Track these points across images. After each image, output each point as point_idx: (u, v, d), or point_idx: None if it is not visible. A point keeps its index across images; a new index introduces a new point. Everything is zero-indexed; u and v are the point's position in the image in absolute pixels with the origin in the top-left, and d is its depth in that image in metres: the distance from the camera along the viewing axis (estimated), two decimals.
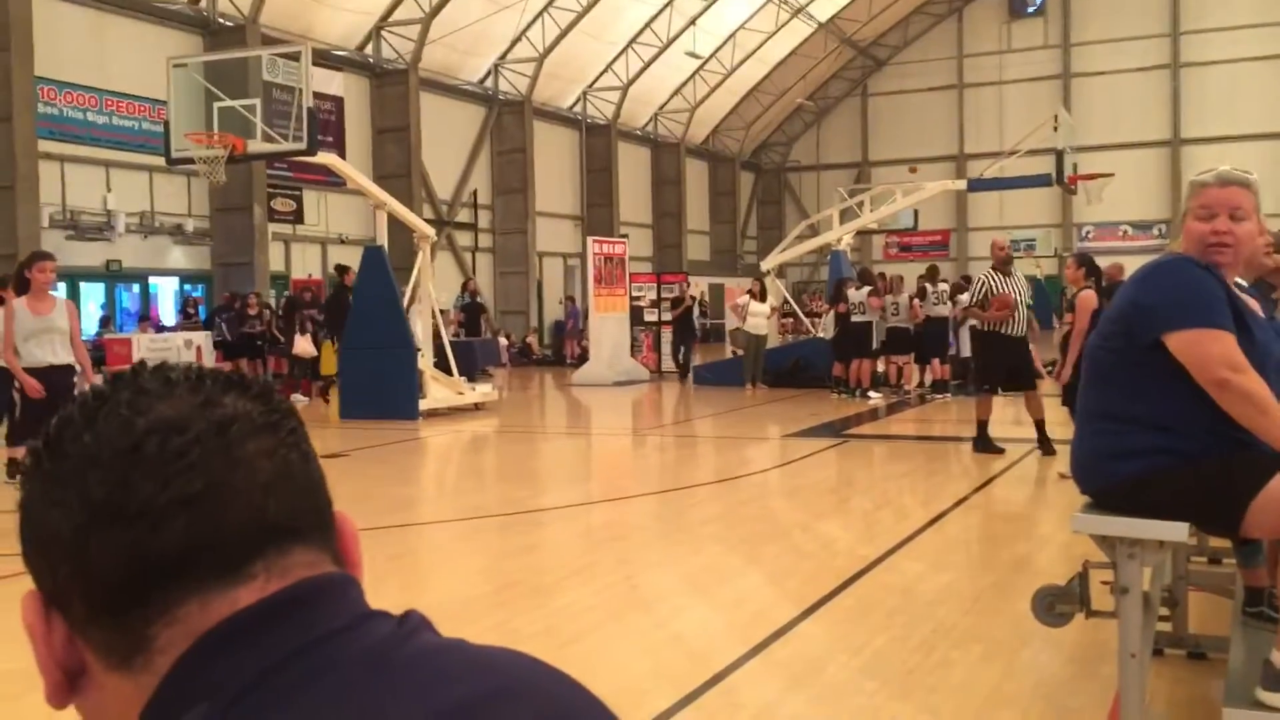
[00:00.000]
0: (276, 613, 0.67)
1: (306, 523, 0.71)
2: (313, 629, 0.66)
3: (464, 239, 30.33)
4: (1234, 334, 3.04)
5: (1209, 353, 3.02)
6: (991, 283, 10.31)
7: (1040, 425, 10.12)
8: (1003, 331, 10.10)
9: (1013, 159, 20.26)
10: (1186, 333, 3.06)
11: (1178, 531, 3.14)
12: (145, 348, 20.27)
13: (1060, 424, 10.08)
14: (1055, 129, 18.96)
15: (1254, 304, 3.34)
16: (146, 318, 21.92)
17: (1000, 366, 10.21)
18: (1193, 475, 3.10)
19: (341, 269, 17.43)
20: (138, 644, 0.66)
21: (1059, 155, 18.67)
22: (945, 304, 16.33)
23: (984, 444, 10.42)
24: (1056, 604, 3.55)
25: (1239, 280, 3.37)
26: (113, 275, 21.88)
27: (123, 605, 0.66)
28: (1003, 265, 10.40)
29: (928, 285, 16.59)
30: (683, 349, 21.30)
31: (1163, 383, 3.11)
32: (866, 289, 16.25)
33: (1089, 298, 8.65)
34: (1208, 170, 3.32)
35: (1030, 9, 38.83)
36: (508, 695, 0.66)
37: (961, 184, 23.09)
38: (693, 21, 32.55)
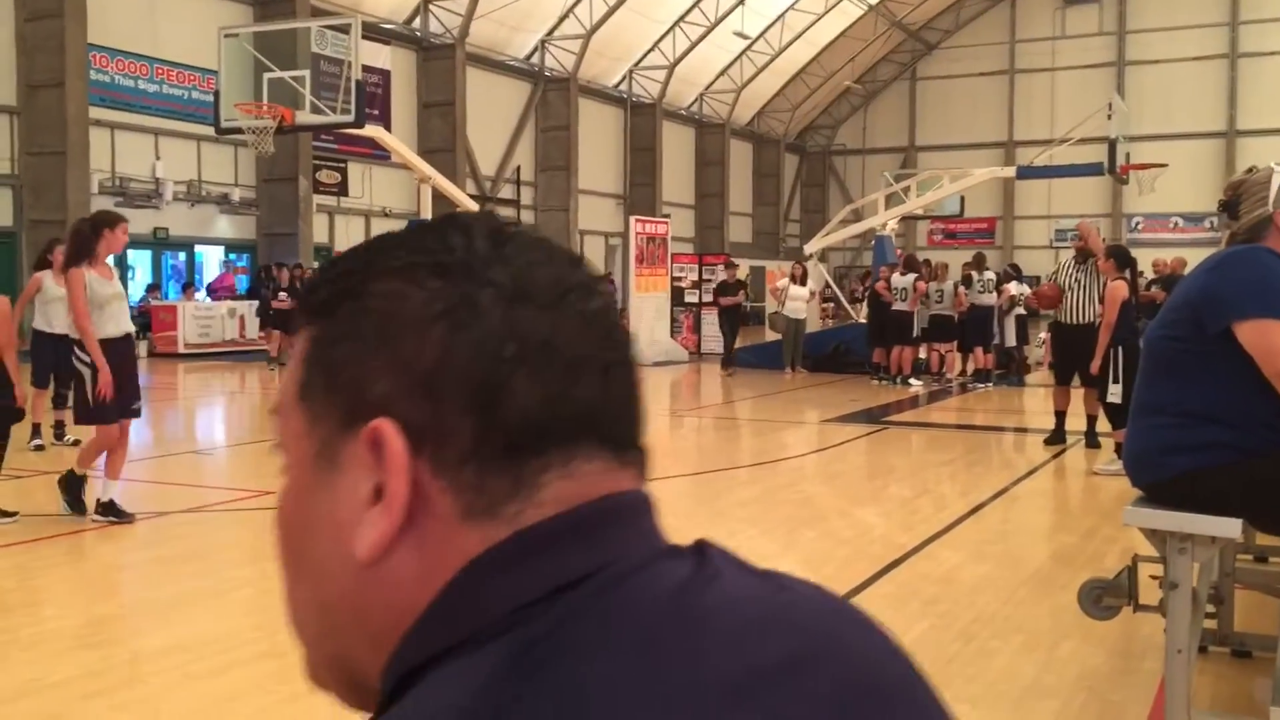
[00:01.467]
0: (617, 516, 0.62)
1: (640, 431, 0.66)
2: (614, 560, 0.60)
3: (506, 215, 30.33)
4: None
5: (1276, 344, 2.96)
6: (1060, 272, 10.15)
7: (1091, 419, 9.96)
8: (1061, 320, 9.93)
9: (1063, 147, 20.00)
10: (1258, 322, 3.00)
11: (1231, 528, 3.09)
12: (190, 315, 20.52)
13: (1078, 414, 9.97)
14: (1109, 117, 18.69)
15: None
16: (191, 284, 22.18)
17: (1059, 356, 10.07)
18: (1250, 471, 3.04)
19: None
20: (518, 490, 0.60)
21: (1111, 144, 18.40)
22: (991, 293, 16.15)
23: (1053, 435, 10.21)
24: (1104, 597, 3.50)
25: None
26: (159, 243, 22.13)
27: (523, 451, 0.60)
28: (1079, 254, 10.17)
29: (973, 273, 16.41)
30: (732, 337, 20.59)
31: (1226, 374, 3.05)
32: (911, 275, 16.11)
33: (1119, 289, 8.51)
34: (1271, 166, 3.25)
35: None
36: (808, 661, 0.58)
37: (1010, 171, 22.83)
38: (742, 1, 32.32)
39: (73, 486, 6.76)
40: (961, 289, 16.31)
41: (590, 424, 0.61)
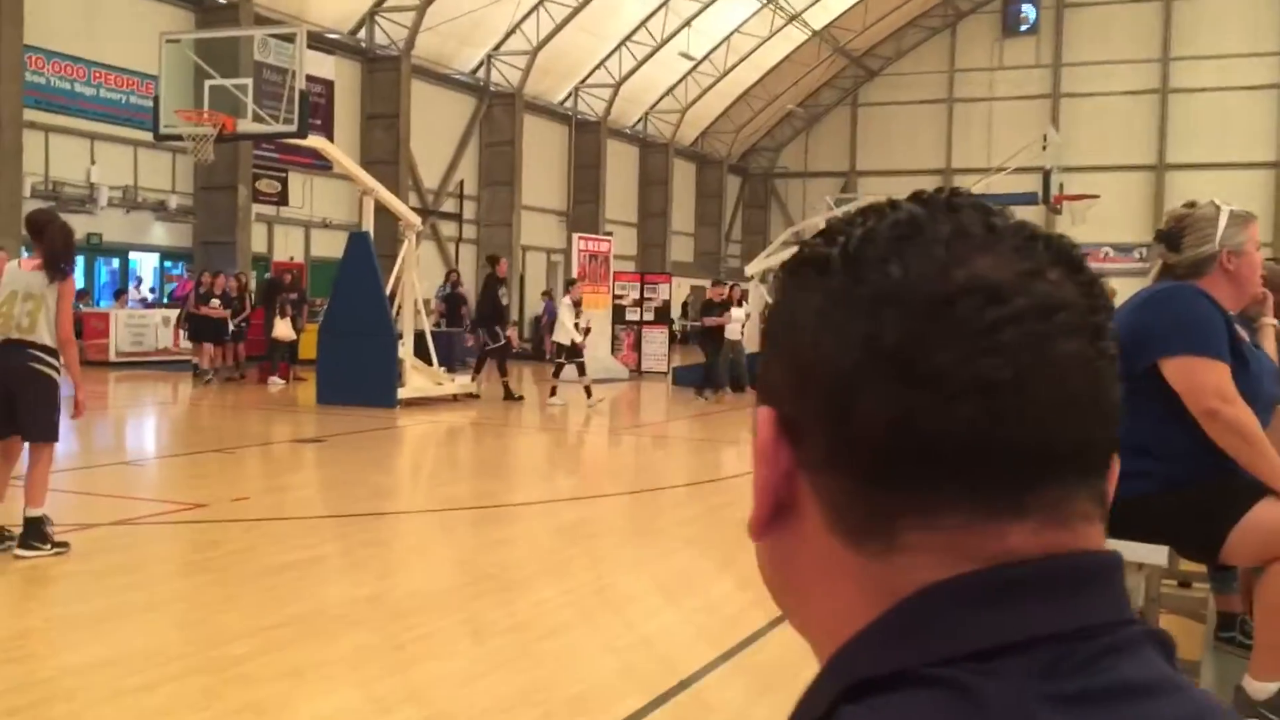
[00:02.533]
0: (1054, 584, 0.54)
1: (1095, 459, 0.57)
2: (1086, 631, 0.54)
3: (448, 229, 30.24)
4: (1229, 364, 3.07)
5: (1202, 381, 3.05)
6: None
7: None
8: None
9: (999, 176, 20.38)
10: (1182, 359, 3.09)
11: (1157, 555, 3.17)
12: (123, 323, 20.14)
13: None
14: (1044, 148, 19.09)
15: (1245, 336, 3.37)
16: (124, 292, 21.78)
17: None
18: (1176, 500, 3.13)
19: (493, 259, 16.85)
20: (874, 527, 0.56)
21: (1046, 175, 18.79)
22: None
23: None
24: None
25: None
26: (93, 249, 21.71)
27: (871, 474, 0.55)
28: None
29: None
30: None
31: (1153, 408, 3.13)
32: None
33: None
34: (1212, 203, 3.36)
35: (1023, 27, 39.03)
36: None
37: None
38: (688, 23, 32.56)
39: None
40: None
41: (979, 459, 0.54)
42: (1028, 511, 0.55)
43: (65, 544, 6.13)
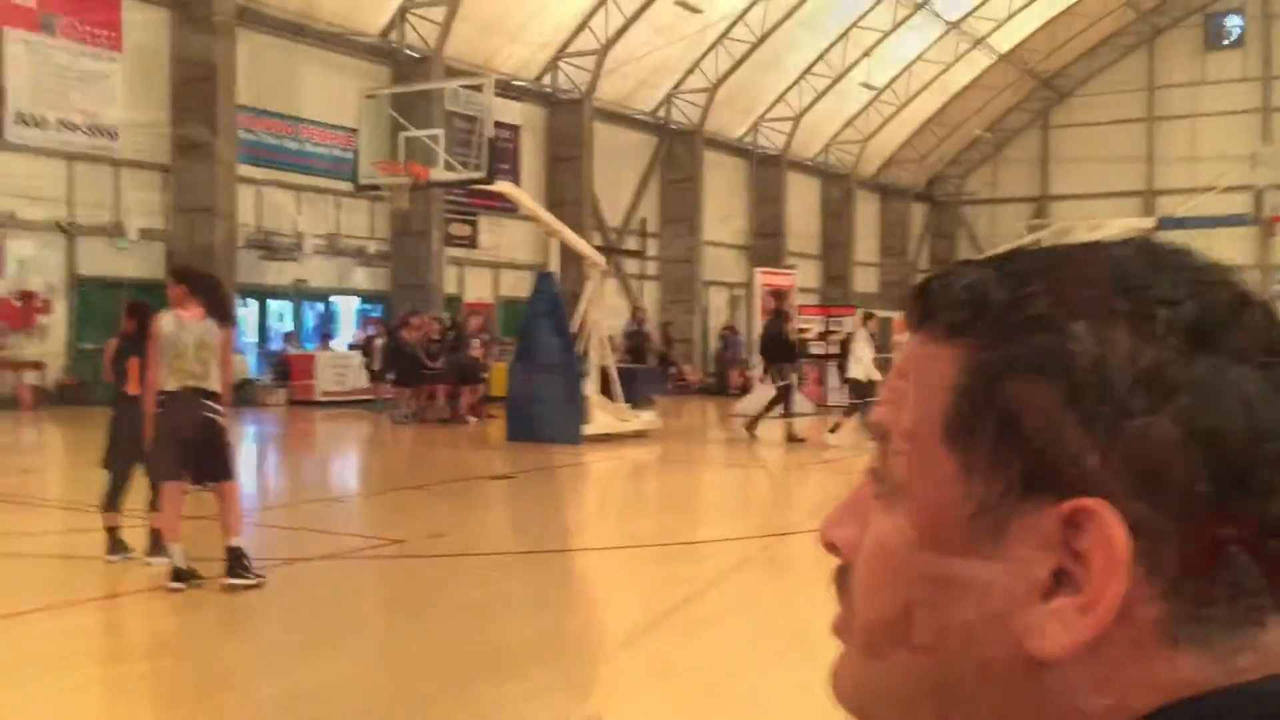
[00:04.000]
0: None
1: None
2: None
3: (632, 266, 30.66)
4: None
5: None
6: None
7: None
8: None
9: (1206, 196, 19.32)
10: None
11: None
12: (327, 364, 21.20)
13: None
14: (1253, 166, 18.00)
15: None
16: (329, 335, 22.93)
17: None
18: None
19: (779, 296, 17.20)
20: (1242, 622, 0.48)
21: (1258, 194, 17.70)
22: None
23: None
24: None
25: None
26: (299, 293, 22.97)
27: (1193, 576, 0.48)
28: None
29: None
30: None
31: None
32: None
33: None
34: None
35: (1227, 40, 37.04)
36: None
37: (1149, 222, 22.15)
38: (867, 53, 32.22)
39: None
40: None
41: None
42: None
43: (263, 576, 6.37)
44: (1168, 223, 21.20)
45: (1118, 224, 21.08)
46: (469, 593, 6.46)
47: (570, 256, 16.95)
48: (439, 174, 13.83)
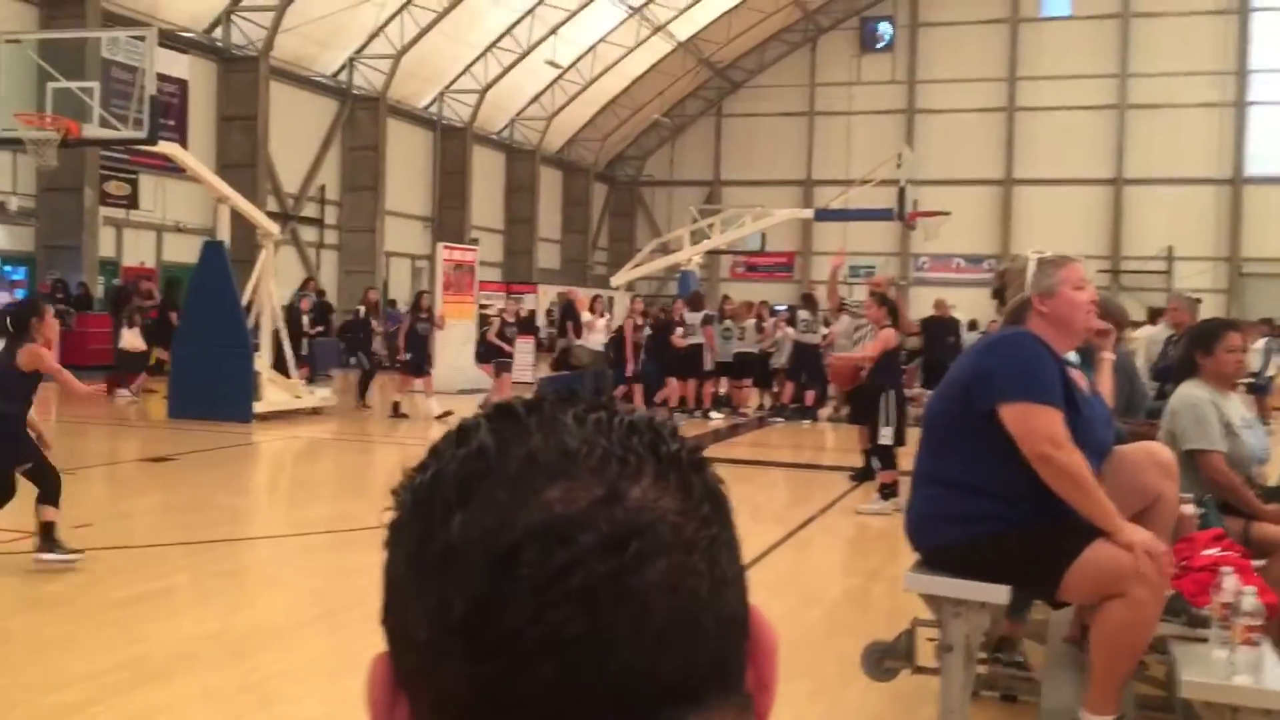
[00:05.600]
0: None
1: (710, 682, 0.54)
2: None
3: (309, 234, 29.55)
4: (1062, 411, 3.21)
5: (1035, 426, 3.19)
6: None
7: (866, 454, 10.44)
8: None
9: (858, 190, 20.91)
10: (1018, 405, 3.22)
11: (999, 594, 3.29)
12: None
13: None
14: (899, 165, 19.66)
15: (1082, 380, 3.53)
16: None
17: (854, 396, 10.66)
18: (1015, 541, 3.25)
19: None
20: None
21: (901, 191, 19.35)
22: (814, 332, 16.36)
23: (859, 473, 10.56)
24: (885, 659, 3.67)
25: (1072, 356, 3.56)
26: None
27: None
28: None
29: (801, 312, 16.94)
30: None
31: (993, 450, 3.26)
32: (701, 313, 16.58)
33: (890, 335, 9.05)
34: (1040, 252, 3.51)
35: (879, 44, 40.13)
36: None
37: (808, 213, 23.72)
38: (554, 31, 32.52)
39: None
40: (767, 325, 16.92)
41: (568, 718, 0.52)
42: None
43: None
44: (823, 214, 22.79)
45: (781, 213, 22.46)
46: (122, 590, 6.05)
47: (242, 221, 16.11)
48: (93, 131, 12.72)
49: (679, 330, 16.47)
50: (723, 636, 0.55)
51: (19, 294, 21.51)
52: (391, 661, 0.57)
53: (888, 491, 9.00)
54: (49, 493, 6.32)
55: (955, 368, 3.57)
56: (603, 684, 0.51)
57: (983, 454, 3.28)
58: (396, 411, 15.28)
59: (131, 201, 24.00)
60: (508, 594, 0.51)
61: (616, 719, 0.51)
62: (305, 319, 18.32)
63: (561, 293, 25.84)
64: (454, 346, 19.69)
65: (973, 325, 19.82)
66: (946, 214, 21.17)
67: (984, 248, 37.80)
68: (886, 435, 8.92)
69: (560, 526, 0.52)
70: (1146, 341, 10.23)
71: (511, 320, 16.54)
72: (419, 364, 15.61)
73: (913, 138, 35.92)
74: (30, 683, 4.75)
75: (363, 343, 16.88)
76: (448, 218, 33.89)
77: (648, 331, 16.85)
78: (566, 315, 20.24)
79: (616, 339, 17.12)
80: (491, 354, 16.08)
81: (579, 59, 34.96)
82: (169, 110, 22.15)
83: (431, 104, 33.44)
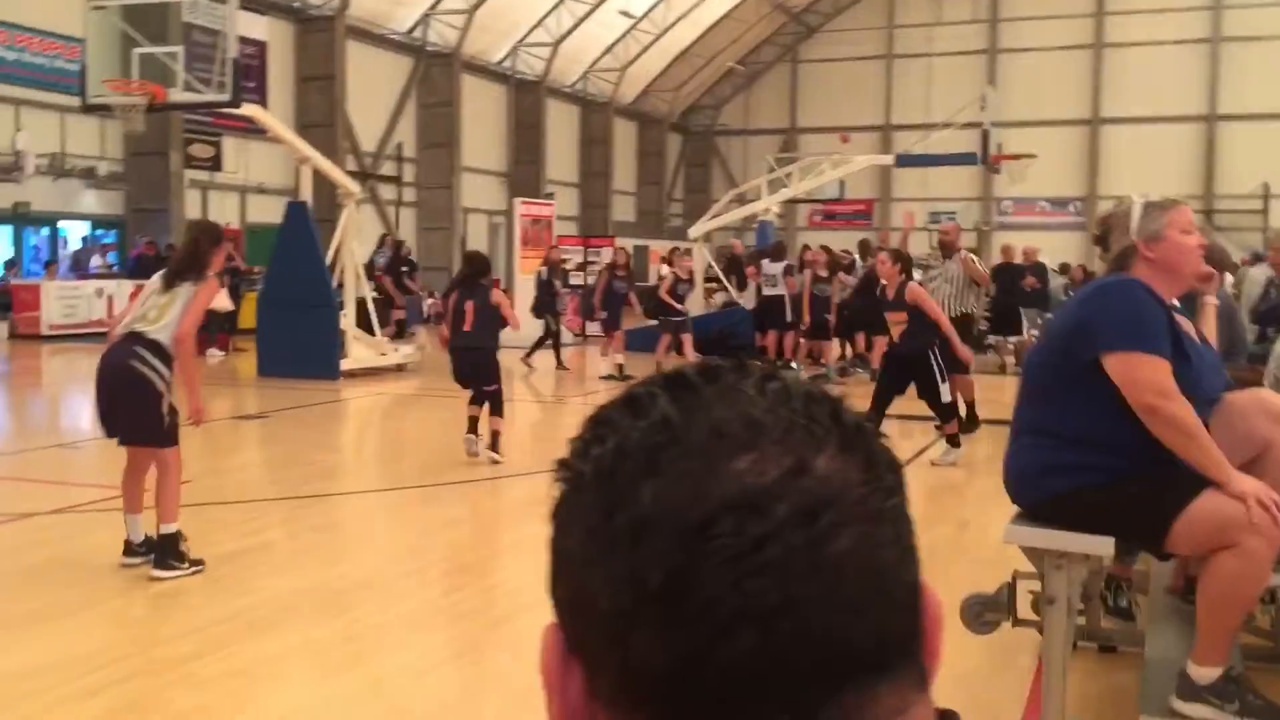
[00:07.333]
0: None
1: (897, 650, 0.55)
2: None
3: (388, 192, 29.83)
4: (1169, 360, 3.11)
5: (1141, 377, 3.09)
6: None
7: (970, 405, 10.32)
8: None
9: (940, 135, 20.48)
10: (1123, 354, 3.12)
11: (1104, 546, 3.22)
12: (54, 295, 19.66)
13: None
14: (982, 107, 19.20)
15: (1189, 326, 3.42)
16: (53, 262, 21.25)
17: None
18: (1120, 492, 3.17)
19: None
20: None
21: (984, 134, 18.90)
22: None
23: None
24: (985, 612, 3.62)
25: (1174, 301, 3.45)
26: (20, 218, 21.15)
27: (659, 709, 0.53)
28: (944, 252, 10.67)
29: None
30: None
31: (1098, 401, 3.17)
32: (783, 263, 16.35)
33: (920, 290, 8.80)
34: (1145, 196, 3.39)
35: None
36: None
37: (889, 159, 23.29)
38: None
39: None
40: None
41: (763, 687, 0.52)
42: None
43: (201, 561, 5.65)
44: (904, 160, 22.36)
45: (861, 160, 22.07)
46: (221, 546, 6.21)
47: (323, 181, 16.31)
48: (179, 95, 12.92)
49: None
50: (908, 605, 0.56)
51: (110, 257, 22.10)
52: (564, 629, 0.58)
53: (955, 440, 8.93)
54: None
55: (1057, 316, 3.48)
56: (800, 653, 0.52)
57: (1087, 404, 3.20)
58: (622, 373, 14.90)
59: (215, 164, 24.43)
60: (704, 564, 0.52)
61: (813, 687, 0.52)
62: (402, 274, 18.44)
63: (723, 246, 25.79)
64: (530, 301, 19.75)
65: (1064, 269, 19.44)
66: (1033, 156, 20.65)
67: (1070, 190, 36.89)
68: (946, 392, 8.78)
69: (754, 498, 0.53)
70: (1246, 284, 9.91)
71: (686, 277, 15.88)
72: (615, 321, 15.52)
73: (996, 78, 35.04)
74: (139, 636, 4.92)
75: (548, 304, 16.46)
76: (523, 172, 33.95)
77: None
78: (731, 269, 20.19)
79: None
80: (660, 311, 15.55)
81: (652, 8, 34.60)
82: (249, 72, 22.42)
83: (505, 58, 33.41)
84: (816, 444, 0.55)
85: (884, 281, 8.88)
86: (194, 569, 5.58)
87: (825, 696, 0.53)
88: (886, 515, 0.55)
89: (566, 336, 17.91)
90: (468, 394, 8.93)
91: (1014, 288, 16.63)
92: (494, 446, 8.60)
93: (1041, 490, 3.28)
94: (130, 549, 5.74)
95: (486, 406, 8.72)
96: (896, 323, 8.78)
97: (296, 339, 14.01)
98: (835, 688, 0.53)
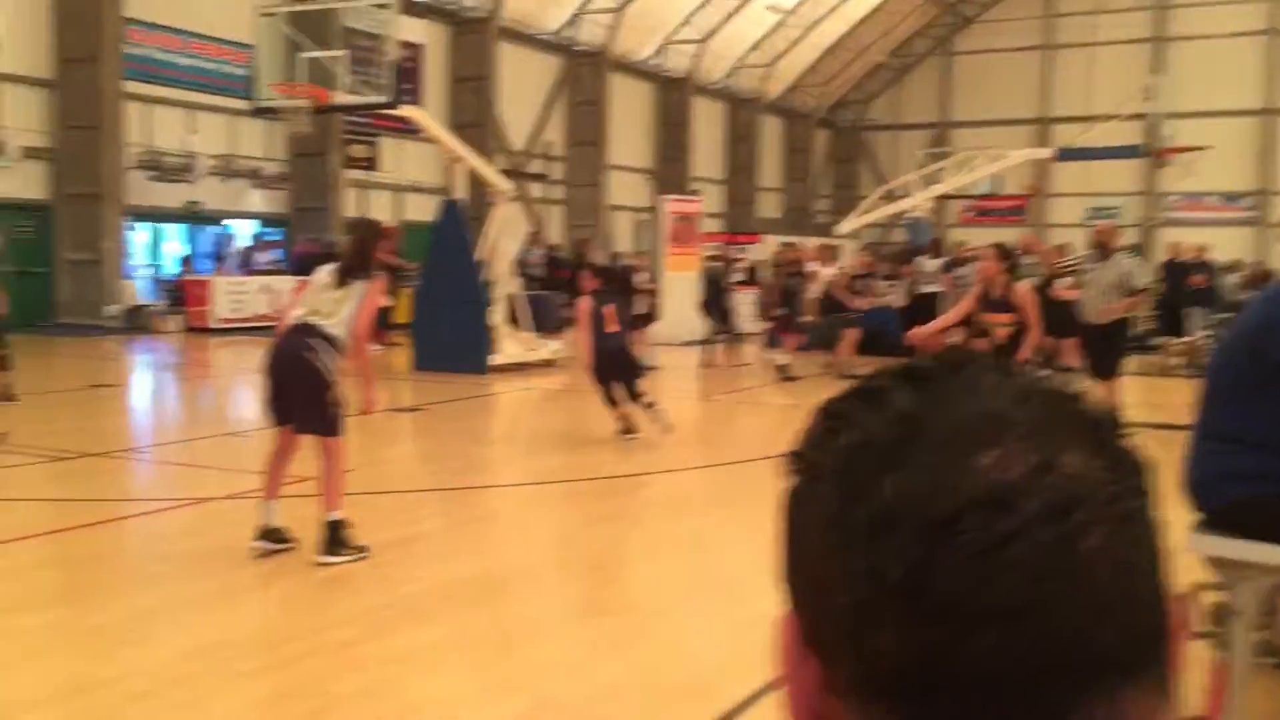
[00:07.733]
0: None
1: (1143, 654, 0.53)
2: None
3: (536, 191, 30.31)
4: None
5: None
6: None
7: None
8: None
9: (1101, 127, 19.72)
10: None
11: None
12: (224, 290, 20.61)
13: None
14: (1147, 98, 18.41)
15: None
16: (222, 259, 22.26)
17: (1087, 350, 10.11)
18: None
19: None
20: None
21: (1151, 125, 18.12)
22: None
23: None
24: None
25: None
26: (192, 217, 22.22)
27: (896, 710, 0.52)
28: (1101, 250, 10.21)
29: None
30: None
31: None
32: (941, 259, 15.96)
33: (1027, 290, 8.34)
34: None
35: None
36: None
37: (1048, 153, 22.56)
38: None
39: None
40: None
41: (1005, 689, 0.51)
42: None
43: (366, 548, 5.80)
44: (1066, 153, 21.62)
45: (1018, 154, 21.42)
46: (382, 534, 6.39)
47: (475, 179, 16.66)
48: (341, 97, 13.39)
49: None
50: (1155, 609, 0.54)
51: (276, 254, 23.03)
52: (800, 619, 0.57)
53: None
54: None
55: (1240, 318, 3.29)
56: (1044, 653, 0.50)
57: (1272, 408, 3.02)
58: (787, 373, 14.59)
59: (372, 164, 25.22)
60: (948, 560, 0.51)
61: (1055, 689, 0.51)
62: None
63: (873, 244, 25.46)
64: (678, 299, 19.80)
65: (1234, 266, 18.49)
66: (1204, 148, 19.71)
67: (1242, 184, 35.12)
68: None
69: (1002, 493, 0.51)
70: None
71: (863, 273, 15.51)
72: (790, 319, 15.31)
73: (1164, 67, 33.55)
74: (304, 620, 5.09)
75: (720, 304, 16.34)
76: (669, 170, 34.05)
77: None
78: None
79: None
80: (832, 308, 15.24)
81: (801, 2, 34.28)
82: (406, 74, 23.07)
83: (652, 56, 33.56)
84: (1064, 441, 0.53)
85: (985, 281, 8.17)
86: (358, 555, 5.75)
87: (1070, 699, 0.51)
88: (1135, 516, 0.54)
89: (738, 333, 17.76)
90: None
91: (1180, 286, 15.94)
92: (655, 416, 9.36)
93: (1223, 496, 3.11)
94: (267, 533, 5.84)
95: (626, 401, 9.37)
96: (1000, 324, 8.27)
97: (450, 334, 14.36)
98: (1081, 690, 0.51)
